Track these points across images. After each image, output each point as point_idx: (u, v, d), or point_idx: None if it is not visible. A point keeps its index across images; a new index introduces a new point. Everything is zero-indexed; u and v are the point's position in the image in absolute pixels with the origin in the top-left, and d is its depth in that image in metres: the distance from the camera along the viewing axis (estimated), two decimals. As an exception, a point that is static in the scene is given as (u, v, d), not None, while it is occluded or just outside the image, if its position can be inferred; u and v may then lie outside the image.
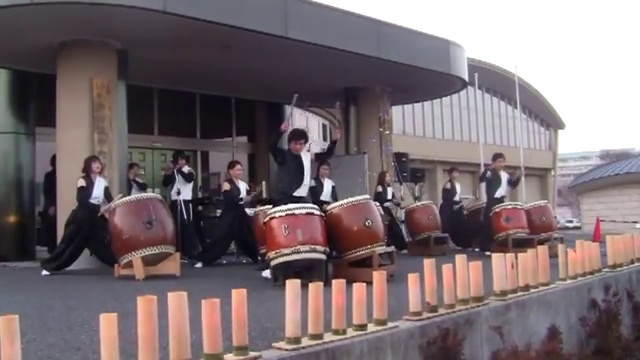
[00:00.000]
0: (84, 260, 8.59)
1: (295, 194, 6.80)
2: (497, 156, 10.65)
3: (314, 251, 5.96)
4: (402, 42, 12.14)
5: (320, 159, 7.81)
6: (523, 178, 18.11)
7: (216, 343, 2.65)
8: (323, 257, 6.07)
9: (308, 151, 7.31)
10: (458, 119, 31.90)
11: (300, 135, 7.13)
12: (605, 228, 14.42)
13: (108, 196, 8.35)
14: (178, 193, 10.03)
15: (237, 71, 11.99)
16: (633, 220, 19.05)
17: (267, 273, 6.50)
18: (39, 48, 9.83)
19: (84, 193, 8.21)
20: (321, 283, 3.28)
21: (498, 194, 10.38)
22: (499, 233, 9.91)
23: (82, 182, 8.25)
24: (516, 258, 4.87)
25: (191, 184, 10.55)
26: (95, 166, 8.37)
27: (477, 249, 10.94)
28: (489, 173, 10.61)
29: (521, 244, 9.20)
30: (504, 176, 10.52)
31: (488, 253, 8.19)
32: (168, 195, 10.22)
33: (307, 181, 6.99)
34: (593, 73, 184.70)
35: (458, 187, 12.48)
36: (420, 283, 3.82)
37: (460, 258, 4.26)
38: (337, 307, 3.27)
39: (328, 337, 3.20)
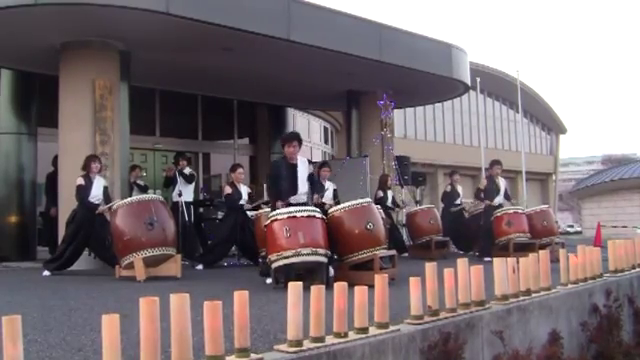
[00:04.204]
0: (85, 261, 8.60)
1: (292, 201, 6.75)
2: (494, 163, 10.58)
3: (315, 254, 5.96)
4: (404, 45, 12.16)
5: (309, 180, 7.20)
6: (525, 183, 18.18)
7: (218, 345, 2.65)
8: (324, 260, 6.06)
9: (311, 163, 7.19)
10: (460, 123, 31.94)
11: (291, 137, 6.96)
12: (606, 233, 14.39)
13: (107, 197, 8.36)
14: (179, 195, 10.05)
15: (239, 73, 12.01)
16: (634, 225, 19.02)
17: (270, 280, 6.45)
18: (42, 49, 9.85)
19: (82, 192, 8.21)
20: (322, 286, 3.27)
21: (496, 202, 10.29)
22: (500, 237, 9.89)
23: (80, 180, 8.25)
24: (517, 262, 4.86)
25: (192, 186, 10.55)
26: (94, 166, 8.37)
27: (477, 253, 10.93)
28: (484, 182, 10.55)
29: (522, 248, 9.20)
30: (502, 183, 10.44)
31: (488, 259, 8.15)
32: (169, 197, 10.23)
33: (302, 189, 6.83)
34: (596, 78, 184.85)
35: (460, 190, 12.48)
36: (421, 287, 3.81)
37: (461, 262, 4.25)
38: (338, 310, 3.26)
39: (329, 340, 3.19)
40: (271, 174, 7.05)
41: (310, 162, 7.23)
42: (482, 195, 10.46)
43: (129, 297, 5.35)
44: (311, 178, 7.09)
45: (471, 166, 25.11)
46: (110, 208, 8.03)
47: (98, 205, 8.30)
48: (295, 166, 6.85)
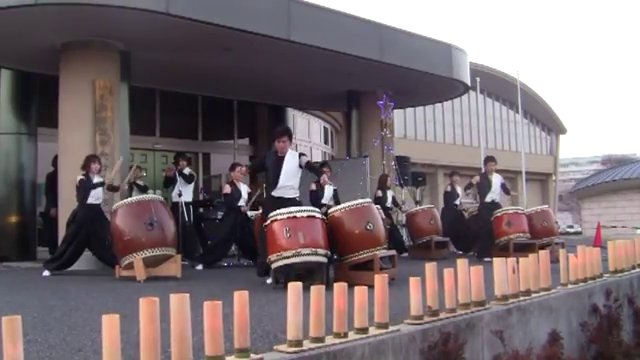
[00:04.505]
0: (85, 261, 8.60)
1: (274, 194, 6.78)
2: (488, 159, 10.53)
3: (315, 254, 5.96)
4: (404, 46, 12.16)
5: (309, 168, 7.15)
6: (524, 183, 18.17)
7: (218, 345, 2.65)
8: (324, 260, 6.06)
9: (303, 155, 7.15)
10: (459, 123, 31.91)
11: (281, 133, 6.97)
12: (606, 233, 14.39)
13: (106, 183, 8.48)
14: (179, 195, 10.04)
15: (239, 73, 12.01)
16: (634, 226, 19.02)
17: (270, 280, 6.46)
18: (42, 49, 9.86)
19: (85, 184, 8.22)
20: (322, 286, 3.27)
21: (489, 198, 10.27)
22: (500, 237, 9.89)
23: (81, 177, 8.28)
24: (517, 263, 4.86)
25: (192, 186, 10.55)
26: (94, 166, 8.40)
27: (477, 254, 10.94)
28: (477, 178, 10.50)
29: (522, 249, 9.20)
30: (497, 179, 10.38)
31: (488, 259, 8.13)
32: (169, 197, 10.22)
33: (285, 182, 6.81)
34: (596, 78, 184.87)
35: (460, 190, 12.48)
36: (421, 287, 3.81)
37: (461, 262, 4.25)
38: (338, 310, 3.26)
39: (329, 340, 3.19)
40: (255, 160, 7.06)
41: (302, 155, 7.15)
42: (472, 190, 10.45)
43: (129, 297, 5.36)
44: (308, 165, 7.02)
45: (471, 166, 25.07)
46: (114, 187, 8.27)
47: (97, 205, 8.31)
48: (282, 159, 6.85)
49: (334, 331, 3.26)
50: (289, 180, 6.85)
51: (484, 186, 10.29)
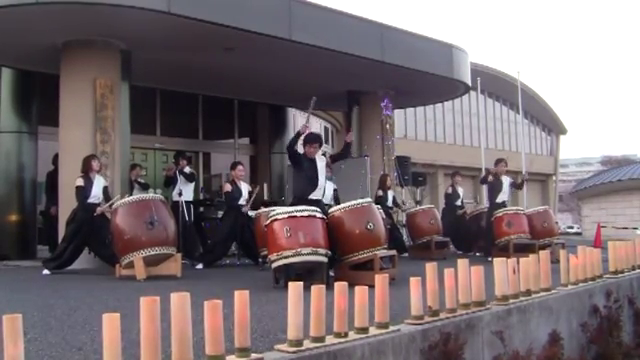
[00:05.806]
0: (85, 260, 8.60)
1: (311, 197, 6.84)
2: (499, 161, 10.65)
3: (315, 254, 5.96)
4: (405, 46, 12.16)
5: (335, 160, 7.65)
6: (524, 183, 18.20)
7: (218, 344, 2.65)
8: (324, 260, 6.06)
9: (323, 154, 7.35)
10: (460, 123, 31.90)
11: (315, 139, 7.17)
12: (606, 234, 14.39)
13: (107, 196, 8.36)
14: (180, 194, 10.04)
15: (240, 73, 12.01)
16: (634, 227, 18.99)
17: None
18: (43, 48, 9.85)
19: (82, 193, 8.22)
20: (323, 286, 3.27)
21: (500, 199, 10.35)
22: (501, 238, 9.90)
23: (80, 182, 8.25)
24: (518, 263, 4.86)
25: (192, 185, 10.55)
26: (95, 164, 8.37)
27: (478, 254, 10.95)
28: (490, 177, 10.57)
29: (523, 249, 9.19)
30: (506, 181, 10.49)
31: (490, 259, 8.13)
32: (170, 196, 10.23)
33: (322, 184, 7.01)
34: (596, 79, 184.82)
35: (461, 191, 12.49)
36: (422, 287, 3.81)
37: (462, 262, 4.25)
38: (339, 310, 3.26)
39: (330, 340, 3.19)
40: (295, 164, 7.12)
41: (325, 155, 7.46)
42: (487, 179, 10.52)
43: (129, 296, 5.36)
44: (333, 157, 7.49)
45: (471, 166, 25.09)
46: (111, 206, 8.03)
47: (98, 205, 8.30)
48: (314, 160, 6.99)
49: (334, 331, 3.26)
50: (323, 181, 7.10)
51: (496, 187, 10.37)
